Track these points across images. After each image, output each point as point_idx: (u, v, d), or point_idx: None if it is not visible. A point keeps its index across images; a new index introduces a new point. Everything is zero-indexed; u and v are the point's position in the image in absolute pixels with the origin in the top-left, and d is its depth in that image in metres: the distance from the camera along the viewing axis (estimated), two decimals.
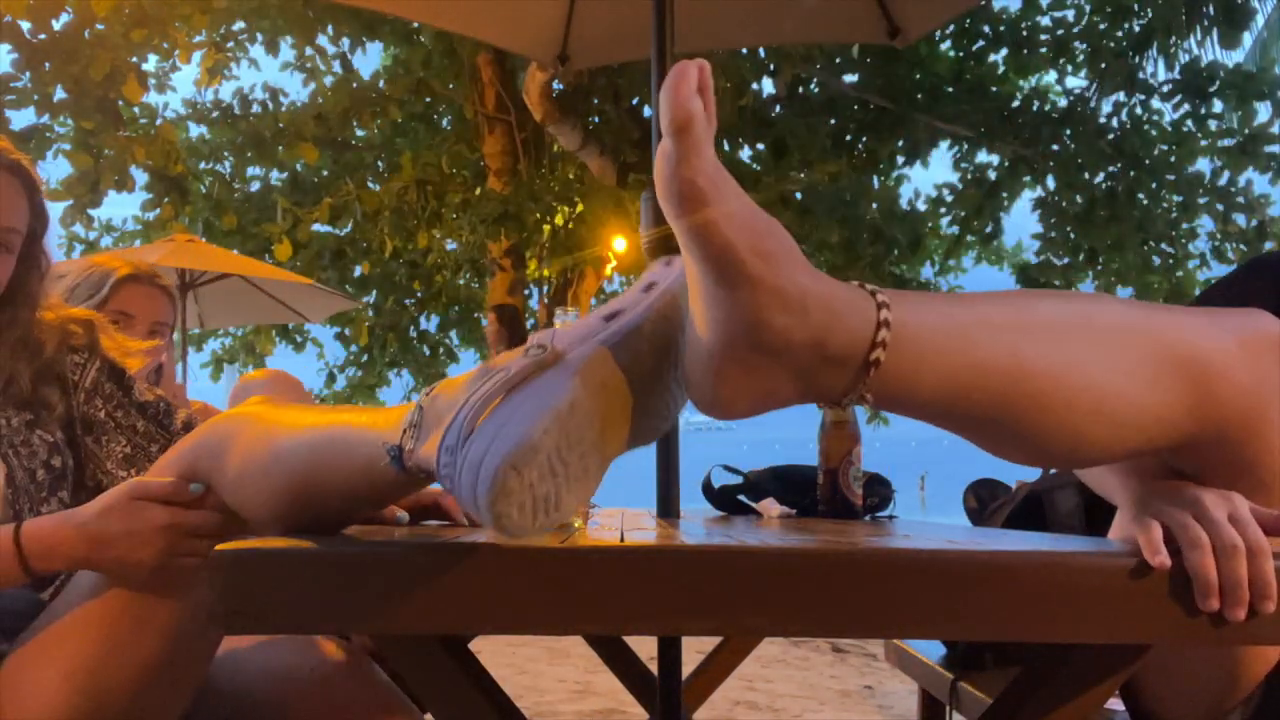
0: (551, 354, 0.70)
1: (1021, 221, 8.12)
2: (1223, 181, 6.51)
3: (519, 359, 0.71)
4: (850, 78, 7.03)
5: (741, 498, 1.88)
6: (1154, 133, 6.68)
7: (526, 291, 7.69)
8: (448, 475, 0.68)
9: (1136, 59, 6.60)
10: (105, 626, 0.97)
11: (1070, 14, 6.82)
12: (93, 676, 0.95)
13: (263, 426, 0.88)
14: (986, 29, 6.82)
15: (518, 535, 0.67)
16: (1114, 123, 6.75)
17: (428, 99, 7.72)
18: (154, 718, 1.00)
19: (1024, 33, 6.82)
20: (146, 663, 0.97)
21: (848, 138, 7.16)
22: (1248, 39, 6.54)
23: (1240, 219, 6.58)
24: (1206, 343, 0.77)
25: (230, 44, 6.54)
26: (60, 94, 4.55)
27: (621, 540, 0.85)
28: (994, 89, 7.03)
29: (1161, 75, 6.62)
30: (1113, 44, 6.64)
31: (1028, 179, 6.92)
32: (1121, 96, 6.68)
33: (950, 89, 6.89)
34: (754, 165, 7.00)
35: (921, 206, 7.33)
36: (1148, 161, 6.59)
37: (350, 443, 0.79)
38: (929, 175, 8.03)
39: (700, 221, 0.67)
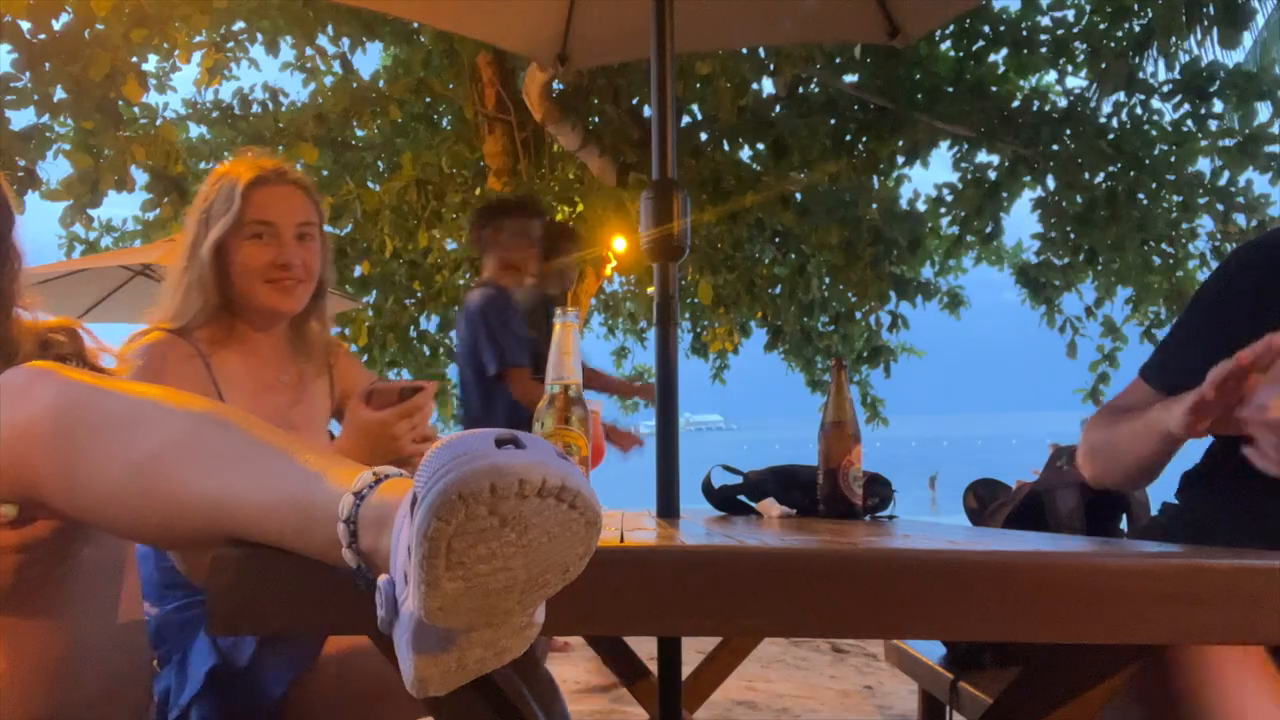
0: (385, 623, 0.68)
1: (1021, 221, 8.11)
2: (1223, 181, 6.49)
3: (379, 596, 0.67)
4: (850, 78, 7.02)
5: (741, 498, 1.88)
6: (1154, 133, 6.66)
7: None
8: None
9: (1136, 59, 6.58)
10: None
11: (1070, 14, 6.81)
12: None
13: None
14: (986, 29, 6.80)
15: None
16: (1114, 123, 6.74)
17: (428, 99, 7.71)
18: None
19: (1024, 33, 6.81)
20: None
21: (848, 138, 7.14)
22: (1248, 39, 6.53)
23: (1240, 219, 6.56)
24: None
25: (230, 44, 6.53)
26: (60, 94, 4.53)
27: (621, 540, 0.85)
28: (994, 89, 7.01)
29: (1161, 75, 6.62)
30: (1113, 44, 6.62)
31: (1028, 179, 6.91)
32: (1121, 96, 6.66)
33: (950, 89, 6.87)
34: (754, 165, 6.99)
35: (921, 207, 7.32)
36: (1148, 161, 6.57)
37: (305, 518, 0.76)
38: (929, 175, 8.01)
39: None
